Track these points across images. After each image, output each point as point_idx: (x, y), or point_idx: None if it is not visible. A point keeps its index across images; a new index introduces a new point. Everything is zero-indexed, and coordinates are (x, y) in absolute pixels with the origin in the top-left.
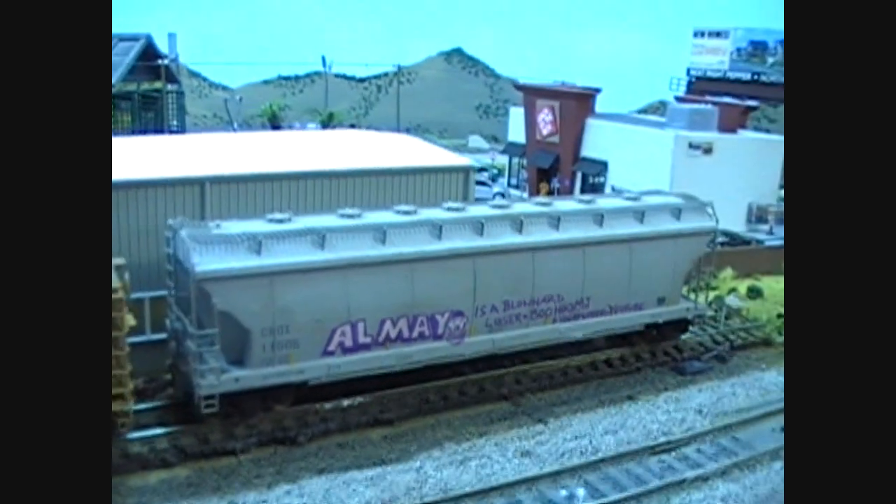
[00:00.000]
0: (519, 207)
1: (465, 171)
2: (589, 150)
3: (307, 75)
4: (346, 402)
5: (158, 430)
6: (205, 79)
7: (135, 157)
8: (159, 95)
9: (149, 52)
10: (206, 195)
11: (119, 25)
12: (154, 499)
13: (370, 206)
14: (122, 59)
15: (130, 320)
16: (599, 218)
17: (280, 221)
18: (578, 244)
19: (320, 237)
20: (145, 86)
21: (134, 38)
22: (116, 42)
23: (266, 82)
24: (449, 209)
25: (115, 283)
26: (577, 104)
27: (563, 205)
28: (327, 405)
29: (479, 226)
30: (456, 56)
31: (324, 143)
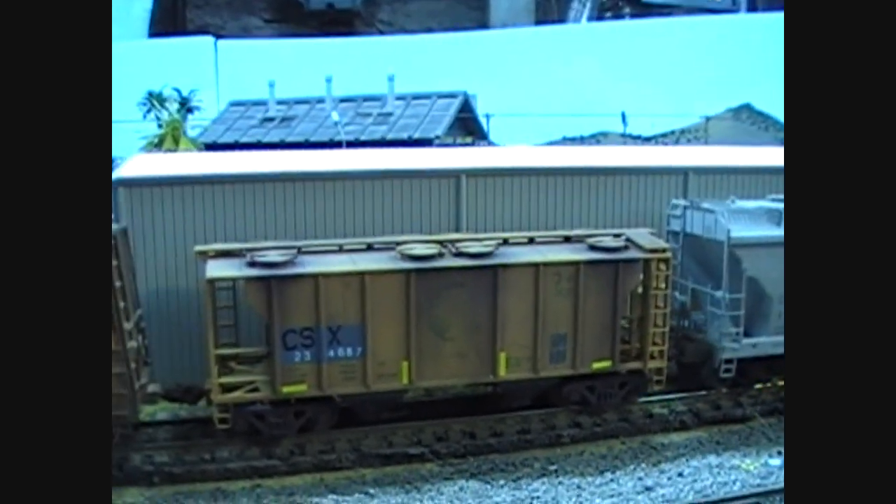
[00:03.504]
0: None
1: None
2: None
3: (592, 136)
4: None
5: (670, 395)
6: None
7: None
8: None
9: (463, 109)
10: (689, 183)
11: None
12: (688, 452)
13: None
14: (443, 113)
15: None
16: None
17: (779, 200)
18: None
19: None
20: (459, 139)
21: (452, 96)
22: (435, 99)
23: (550, 143)
24: None
25: (663, 243)
26: None
27: None
28: None
29: None
30: (745, 112)
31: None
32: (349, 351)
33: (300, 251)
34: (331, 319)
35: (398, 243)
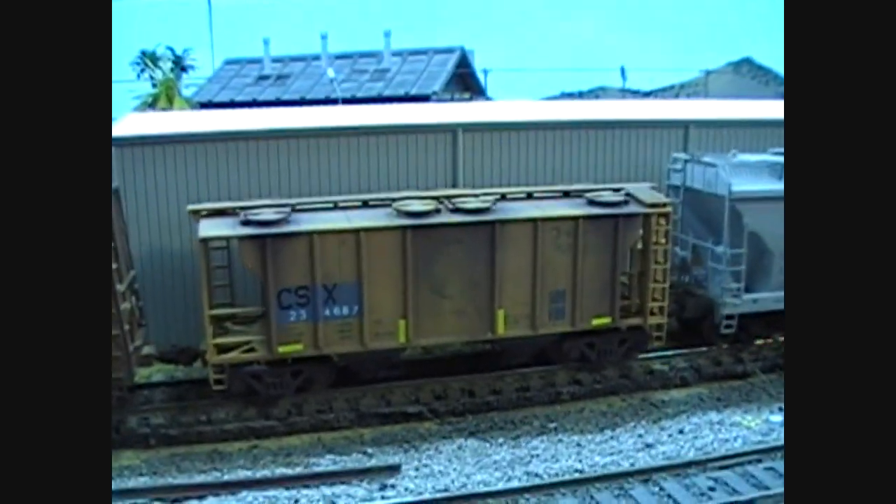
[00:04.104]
0: None
1: None
2: None
3: (591, 91)
4: None
5: (671, 352)
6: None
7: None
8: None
9: (461, 64)
10: (689, 136)
11: (420, 39)
12: (688, 408)
13: None
14: (440, 69)
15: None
16: None
17: (781, 154)
18: None
19: None
20: (456, 95)
21: (449, 51)
22: (432, 54)
23: (548, 99)
24: None
25: (663, 198)
26: None
27: None
28: None
29: None
30: (745, 66)
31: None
32: (345, 309)
33: (294, 209)
34: (326, 278)
35: (394, 200)
